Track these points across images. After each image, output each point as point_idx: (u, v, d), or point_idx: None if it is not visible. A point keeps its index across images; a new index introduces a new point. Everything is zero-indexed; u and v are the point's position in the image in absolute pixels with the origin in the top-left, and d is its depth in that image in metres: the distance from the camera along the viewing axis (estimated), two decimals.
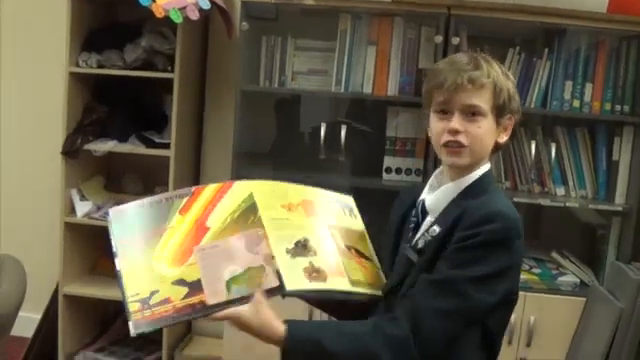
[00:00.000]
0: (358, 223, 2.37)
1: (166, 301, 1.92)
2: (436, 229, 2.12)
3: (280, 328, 1.98)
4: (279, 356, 2.11)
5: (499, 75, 2.12)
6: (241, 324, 1.96)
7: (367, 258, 2.27)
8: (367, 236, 2.36)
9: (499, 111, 2.12)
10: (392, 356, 1.97)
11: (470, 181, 2.16)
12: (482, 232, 2.00)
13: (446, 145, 2.14)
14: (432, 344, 1.99)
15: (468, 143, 2.11)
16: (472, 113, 2.10)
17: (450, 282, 2.00)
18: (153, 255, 2.02)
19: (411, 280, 2.11)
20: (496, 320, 2.17)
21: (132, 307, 1.92)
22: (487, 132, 2.12)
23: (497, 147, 2.20)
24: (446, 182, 2.20)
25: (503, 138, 2.18)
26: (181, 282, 1.95)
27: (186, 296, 1.93)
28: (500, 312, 2.15)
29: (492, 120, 2.12)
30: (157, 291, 1.94)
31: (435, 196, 2.20)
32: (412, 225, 2.24)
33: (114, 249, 2.04)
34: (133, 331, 1.90)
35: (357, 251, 2.25)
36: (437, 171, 2.29)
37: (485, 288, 2.02)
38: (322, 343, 1.97)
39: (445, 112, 2.14)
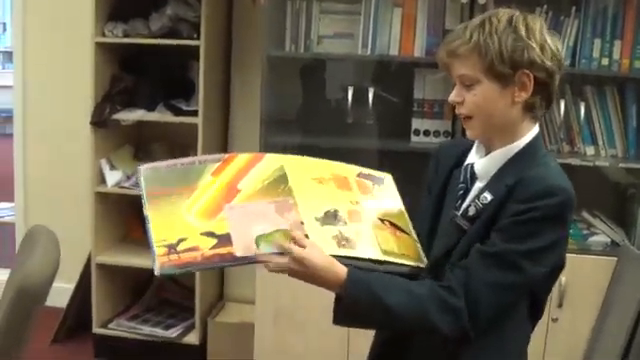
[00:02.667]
0: (396, 201, 2.34)
1: (194, 249, 1.95)
2: (487, 196, 2.07)
3: (342, 271, 1.98)
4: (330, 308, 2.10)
5: (487, 34, 2.02)
6: (305, 263, 1.95)
7: (404, 231, 2.25)
8: (406, 214, 2.31)
9: (495, 72, 2.02)
10: (445, 322, 1.96)
11: (519, 147, 2.10)
12: (541, 207, 1.96)
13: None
14: (485, 317, 1.98)
15: (468, 112, 2.08)
16: (466, 82, 2.06)
17: (505, 255, 1.98)
18: (182, 207, 2.04)
19: (462, 249, 2.07)
20: (544, 288, 2.17)
21: (159, 251, 1.95)
22: (486, 98, 2.05)
23: (527, 106, 2.08)
24: (492, 147, 2.15)
25: (522, 96, 2.05)
26: (210, 234, 1.98)
27: (215, 246, 1.96)
28: (549, 281, 2.14)
29: (491, 83, 2.03)
30: (185, 239, 1.96)
31: (485, 161, 2.14)
32: (461, 191, 2.18)
33: (143, 199, 2.05)
34: (157, 272, 1.93)
35: (392, 224, 2.23)
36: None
37: (539, 261, 2.00)
38: (380, 294, 1.96)
39: (454, 84, 2.12)
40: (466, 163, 2.20)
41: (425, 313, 1.97)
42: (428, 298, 1.98)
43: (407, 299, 1.98)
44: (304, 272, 1.96)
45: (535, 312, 2.20)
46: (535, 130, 2.14)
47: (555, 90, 2.12)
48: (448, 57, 2.06)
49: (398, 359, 2.23)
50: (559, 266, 2.10)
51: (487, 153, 2.17)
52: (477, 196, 2.10)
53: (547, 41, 2.06)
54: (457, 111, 2.11)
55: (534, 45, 2.02)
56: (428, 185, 2.33)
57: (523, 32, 2.02)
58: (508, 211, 2.01)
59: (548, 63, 2.04)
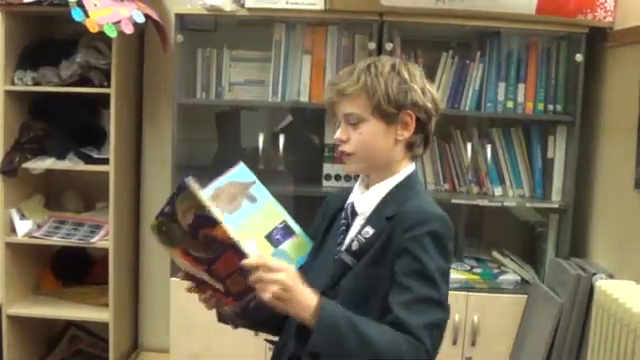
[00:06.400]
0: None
1: None
2: (369, 230, 2.15)
3: (316, 297, 1.97)
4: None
5: (374, 76, 2.15)
6: (295, 278, 1.96)
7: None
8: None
9: (381, 111, 2.14)
10: (411, 355, 1.94)
11: (395, 182, 2.20)
12: (425, 232, 2.03)
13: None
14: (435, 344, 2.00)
15: (352, 150, 2.18)
16: (352, 121, 2.17)
17: (422, 298, 1.99)
18: None
19: (349, 284, 2.11)
20: None
21: None
22: (371, 136, 2.16)
23: (408, 145, 2.21)
24: (371, 182, 2.25)
25: (403, 135, 2.18)
26: None
27: None
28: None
29: (377, 122, 2.15)
30: None
31: (364, 198, 2.24)
32: (342, 227, 2.26)
33: None
34: None
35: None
36: (362, 175, 2.32)
37: (444, 281, 2.05)
38: (354, 321, 1.94)
39: (338, 123, 2.24)
40: (348, 202, 2.30)
41: (394, 340, 1.93)
42: (389, 329, 1.97)
43: (370, 324, 1.96)
44: (292, 293, 1.95)
45: None
46: (411, 167, 2.26)
47: (432, 131, 2.25)
48: (337, 96, 2.18)
49: None
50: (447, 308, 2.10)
51: (367, 188, 2.27)
52: (359, 232, 2.18)
53: (426, 85, 2.22)
54: (340, 148, 2.22)
55: (416, 88, 2.17)
56: (316, 227, 2.41)
57: (406, 76, 2.18)
58: (396, 245, 2.07)
59: (428, 105, 2.19)
